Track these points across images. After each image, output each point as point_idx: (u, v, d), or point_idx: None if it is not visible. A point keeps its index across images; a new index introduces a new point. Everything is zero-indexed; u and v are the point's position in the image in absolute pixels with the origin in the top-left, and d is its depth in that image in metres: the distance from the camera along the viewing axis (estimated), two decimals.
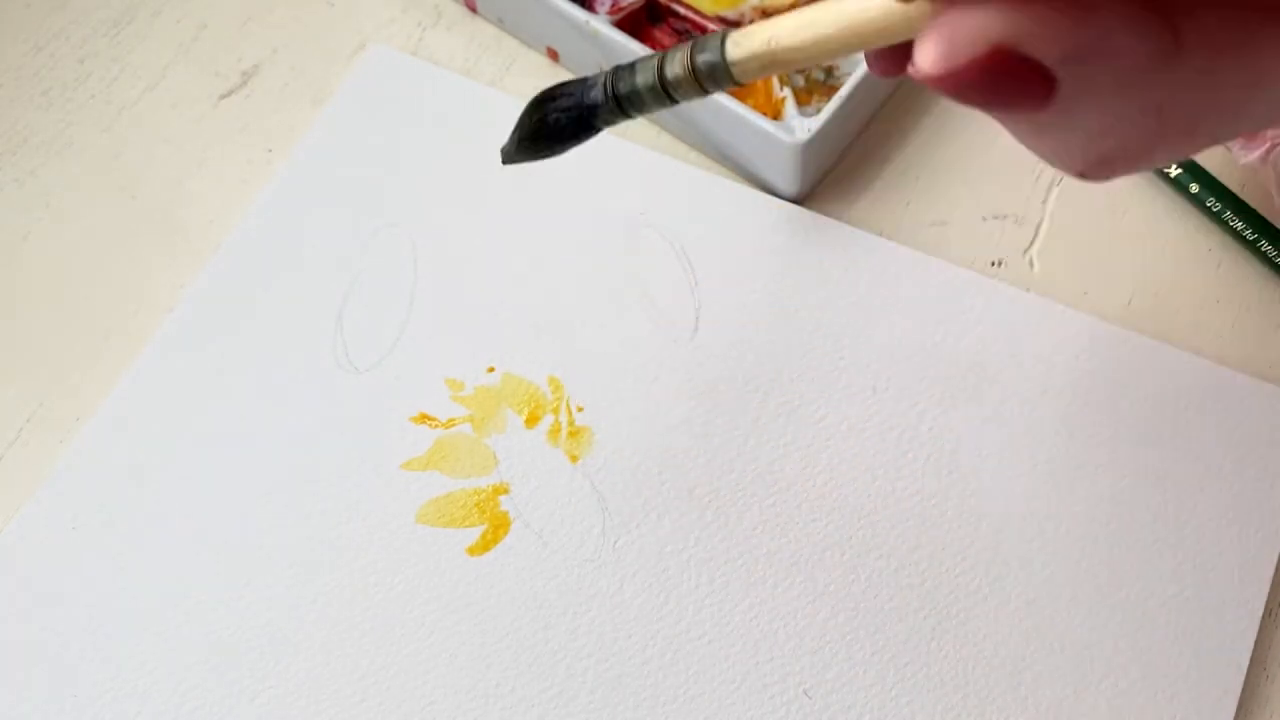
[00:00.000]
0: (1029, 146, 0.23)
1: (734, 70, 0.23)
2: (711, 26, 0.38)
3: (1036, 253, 0.37)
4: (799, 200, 0.37)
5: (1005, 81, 0.21)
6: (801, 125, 0.35)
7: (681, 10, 0.39)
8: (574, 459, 0.33)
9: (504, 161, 0.27)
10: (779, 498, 0.33)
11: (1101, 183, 0.23)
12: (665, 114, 0.38)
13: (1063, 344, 0.35)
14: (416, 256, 0.36)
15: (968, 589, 0.32)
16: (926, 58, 0.21)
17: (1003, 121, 0.23)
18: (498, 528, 0.32)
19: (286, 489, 0.33)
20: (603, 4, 0.39)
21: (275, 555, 0.32)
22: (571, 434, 0.34)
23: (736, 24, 0.39)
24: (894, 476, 0.33)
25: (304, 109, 0.39)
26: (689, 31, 0.39)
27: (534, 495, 0.33)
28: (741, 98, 0.36)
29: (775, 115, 0.37)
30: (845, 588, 0.32)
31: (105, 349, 0.35)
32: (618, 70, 0.25)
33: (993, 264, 0.37)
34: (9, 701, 0.30)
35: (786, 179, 0.36)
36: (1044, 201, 0.38)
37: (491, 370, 0.34)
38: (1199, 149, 0.23)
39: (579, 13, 0.37)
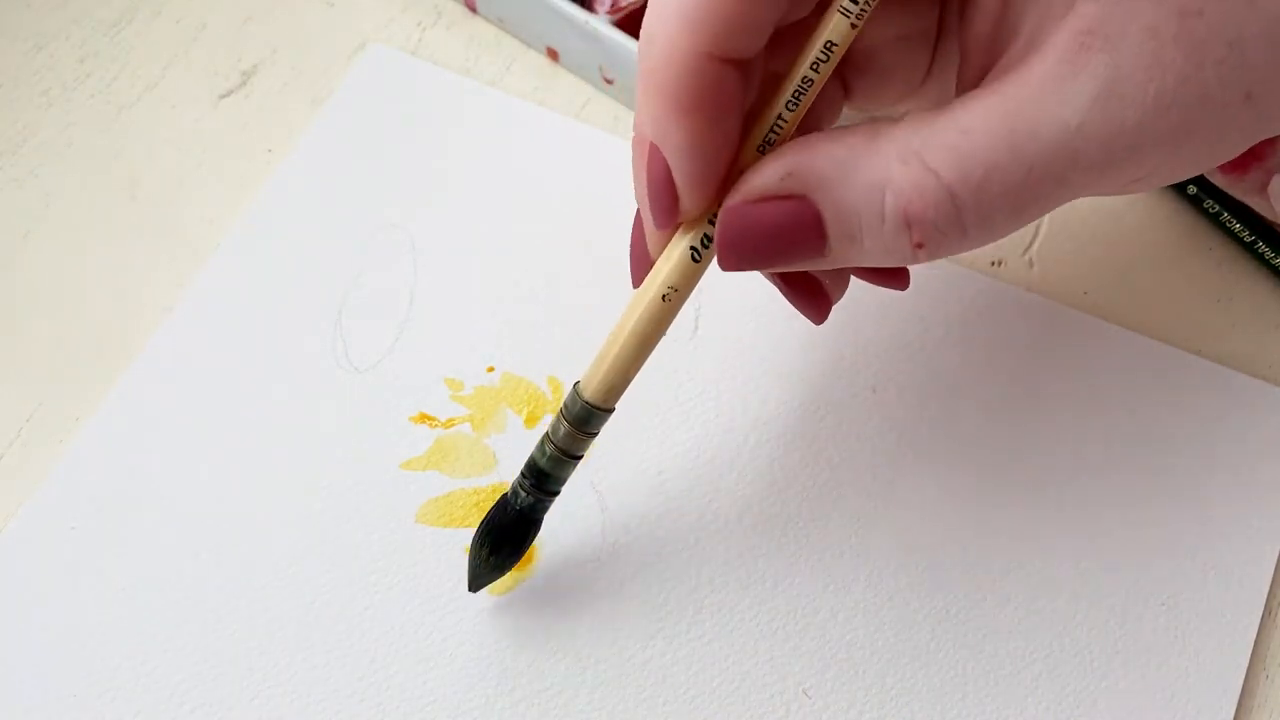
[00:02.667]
0: (875, 264, 0.25)
1: (602, 405, 0.28)
2: None
3: (1036, 253, 0.37)
4: None
5: (772, 220, 0.24)
6: None
7: None
8: None
9: (473, 589, 0.30)
10: (778, 497, 0.33)
11: (946, 250, 0.24)
12: None
13: (1063, 344, 0.35)
14: (416, 256, 0.36)
15: (967, 589, 0.32)
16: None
17: (835, 263, 0.25)
18: None
19: (286, 488, 0.33)
20: (603, 4, 0.39)
21: (275, 555, 0.32)
22: None
23: None
24: (893, 477, 0.33)
25: (304, 109, 0.39)
26: None
27: None
28: None
29: None
30: (845, 588, 0.32)
31: (105, 349, 0.35)
32: (525, 472, 0.29)
33: (993, 264, 0.37)
34: (9, 701, 0.30)
35: None
36: None
37: (491, 370, 0.34)
38: (991, 180, 0.23)
39: (579, 13, 0.37)
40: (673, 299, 0.26)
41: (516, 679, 0.30)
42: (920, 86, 0.29)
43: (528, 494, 0.29)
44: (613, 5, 0.39)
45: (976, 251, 0.37)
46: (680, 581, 0.32)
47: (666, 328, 0.27)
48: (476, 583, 0.30)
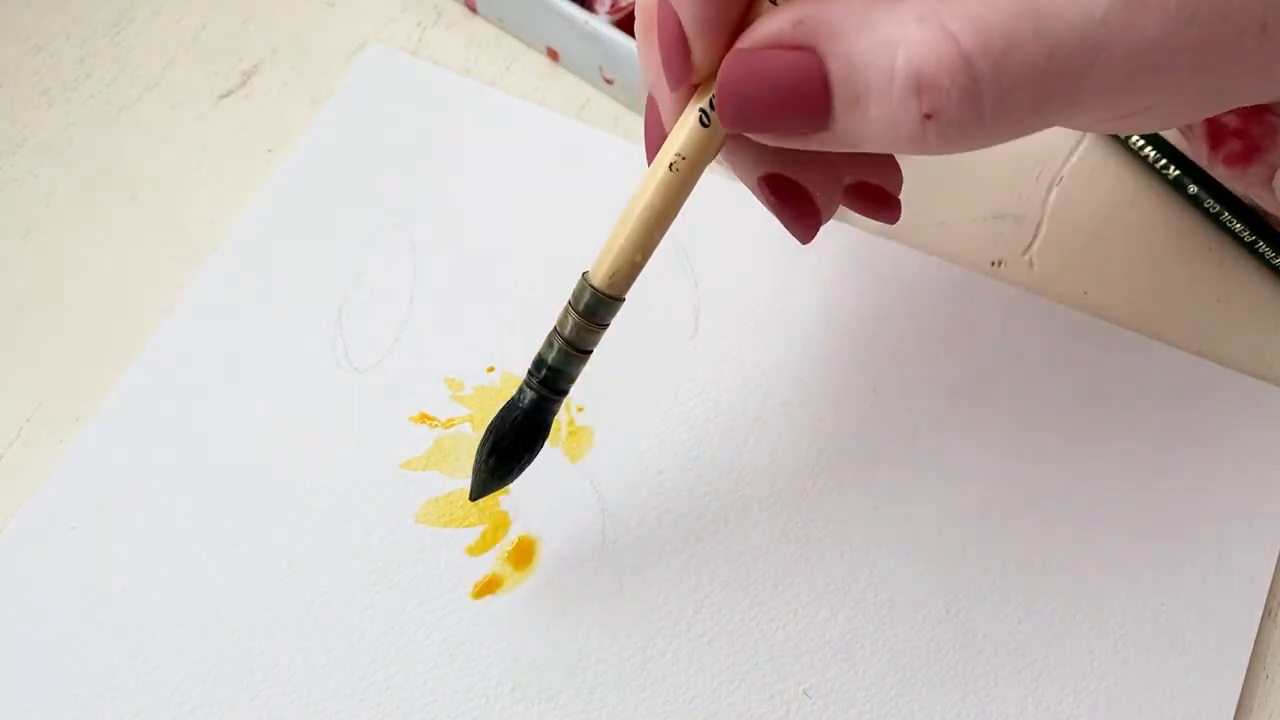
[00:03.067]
0: (875, 142, 0.24)
1: (609, 292, 0.27)
2: None
3: (1036, 253, 0.37)
4: None
5: (775, 70, 0.23)
6: None
7: None
8: (574, 459, 0.33)
9: (474, 497, 0.30)
10: (778, 497, 0.33)
11: (957, 127, 0.23)
12: None
13: (1063, 344, 0.35)
14: (416, 256, 0.36)
15: (967, 589, 0.32)
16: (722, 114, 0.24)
17: (837, 134, 0.24)
18: (497, 527, 0.32)
19: (286, 488, 0.33)
20: (603, 4, 0.39)
21: (274, 555, 0.32)
22: (571, 434, 0.34)
23: None
24: (893, 476, 0.33)
25: (304, 109, 0.39)
26: None
27: (533, 495, 0.33)
28: None
29: None
30: (845, 588, 0.32)
31: (105, 349, 0.35)
32: (532, 370, 0.28)
33: (993, 264, 0.37)
34: (9, 701, 0.30)
35: None
36: (1044, 202, 0.38)
37: (491, 370, 0.34)
38: (1012, 55, 0.22)
39: (579, 13, 0.38)
40: (681, 168, 0.25)
41: (516, 679, 0.30)
42: None
43: (535, 392, 0.28)
44: (613, 5, 0.39)
45: (976, 251, 0.37)
46: (680, 581, 0.32)
47: (679, 204, 0.25)
48: (480, 490, 0.29)
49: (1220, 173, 0.35)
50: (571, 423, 0.34)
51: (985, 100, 0.22)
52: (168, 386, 0.34)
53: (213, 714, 0.30)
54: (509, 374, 0.34)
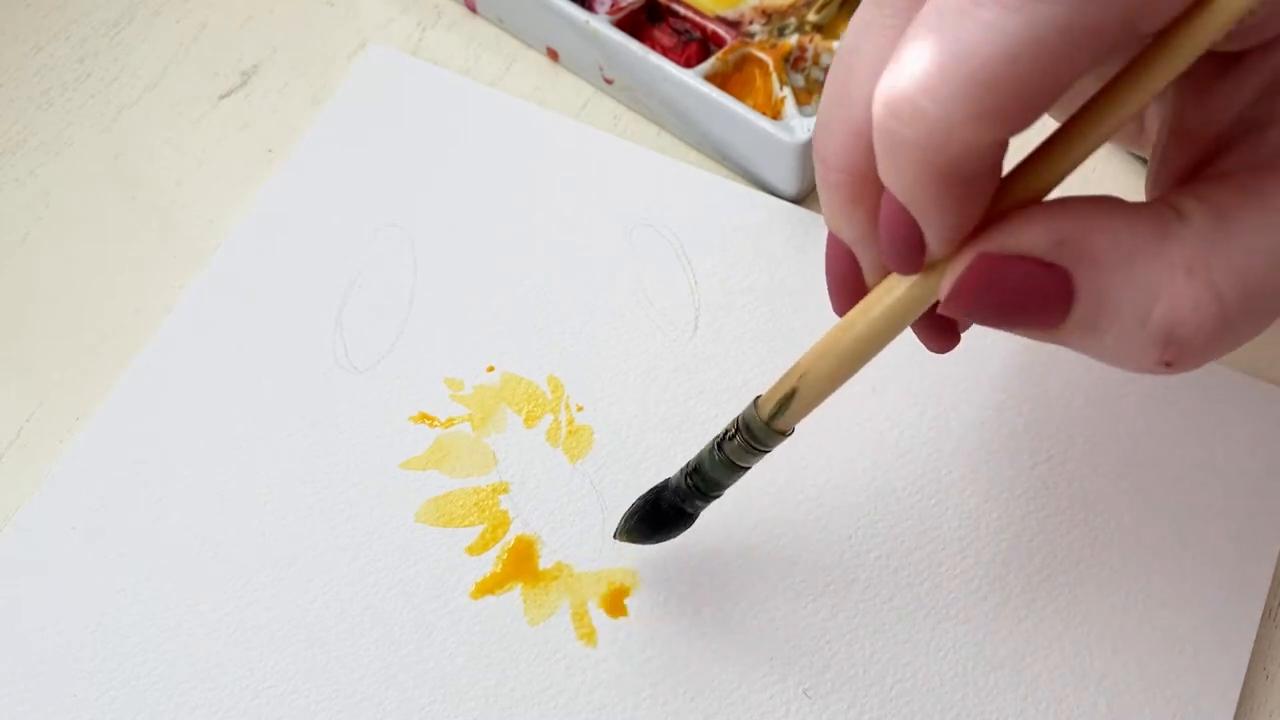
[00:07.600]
0: (1097, 358, 0.23)
1: (775, 424, 0.26)
2: (711, 26, 0.38)
3: None
4: (799, 200, 0.37)
5: (1022, 284, 0.22)
6: (801, 125, 0.36)
7: (681, 10, 0.39)
8: (574, 459, 0.33)
9: (616, 536, 0.31)
10: (778, 497, 0.33)
11: (1189, 370, 0.22)
12: (665, 113, 0.38)
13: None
14: (416, 256, 0.36)
15: (968, 589, 0.32)
16: (945, 288, 0.22)
17: (1056, 339, 0.23)
18: (497, 527, 0.32)
19: (285, 488, 0.33)
20: (603, 4, 0.39)
21: (274, 554, 0.32)
22: (571, 434, 0.34)
23: (736, 24, 0.39)
24: (894, 476, 0.33)
25: (304, 109, 0.39)
26: (688, 31, 0.39)
27: (533, 495, 0.33)
28: (741, 97, 0.36)
29: (775, 115, 0.37)
30: (845, 588, 0.32)
31: (105, 349, 0.35)
32: (690, 471, 0.29)
33: None
34: (9, 701, 0.30)
35: (786, 179, 0.36)
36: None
37: (491, 370, 0.35)
38: (1266, 306, 0.21)
39: (579, 13, 0.38)
40: (875, 330, 0.24)
41: (516, 679, 0.30)
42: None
43: (688, 490, 0.29)
44: (613, 5, 0.39)
45: None
46: (679, 581, 0.32)
47: (863, 362, 0.24)
48: (619, 535, 0.31)
49: None
50: (571, 422, 0.34)
51: (1224, 349, 0.21)
52: (167, 386, 0.34)
53: (213, 714, 0.30)
54: (509, 374, 0.34)
